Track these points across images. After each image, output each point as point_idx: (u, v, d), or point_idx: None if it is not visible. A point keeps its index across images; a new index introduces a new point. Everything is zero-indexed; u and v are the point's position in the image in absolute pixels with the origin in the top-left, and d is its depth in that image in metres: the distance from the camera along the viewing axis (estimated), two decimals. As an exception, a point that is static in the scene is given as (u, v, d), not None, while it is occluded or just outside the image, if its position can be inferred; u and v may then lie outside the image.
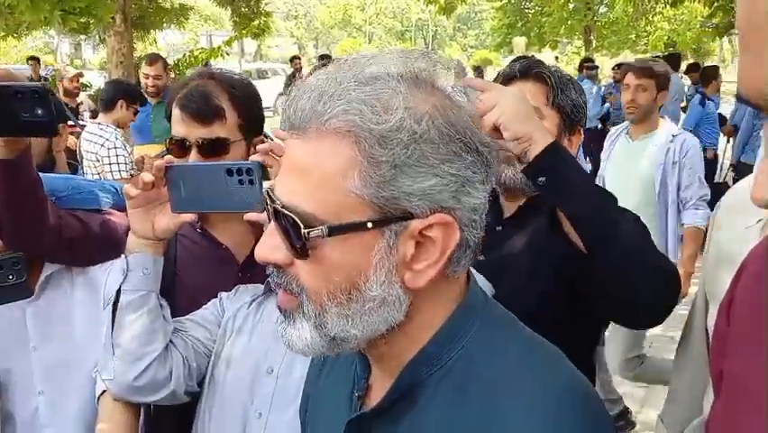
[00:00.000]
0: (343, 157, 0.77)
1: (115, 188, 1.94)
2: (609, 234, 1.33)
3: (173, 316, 1.71)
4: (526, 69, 1.72)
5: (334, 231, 0.78)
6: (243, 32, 10.54)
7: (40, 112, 1.39)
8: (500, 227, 1.76)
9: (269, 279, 0.88)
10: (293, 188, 0.80)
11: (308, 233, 0.78)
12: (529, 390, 0.80)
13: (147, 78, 5.89)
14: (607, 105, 10.52)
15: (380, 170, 0.76)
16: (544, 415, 0.78)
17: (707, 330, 1.40)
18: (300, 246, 0.79)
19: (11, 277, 1.58)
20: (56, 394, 1.77)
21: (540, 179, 1.34)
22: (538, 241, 1.67)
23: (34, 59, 13.48)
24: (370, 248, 0.79)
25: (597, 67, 11.50)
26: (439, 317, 0.87)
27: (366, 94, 0.78)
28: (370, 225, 0.78)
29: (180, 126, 1.72)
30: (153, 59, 6.09)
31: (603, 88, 11.07)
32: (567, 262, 1.55)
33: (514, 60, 1.83)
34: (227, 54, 11.03)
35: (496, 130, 1.33)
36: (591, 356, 1.82)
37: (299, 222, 0.78)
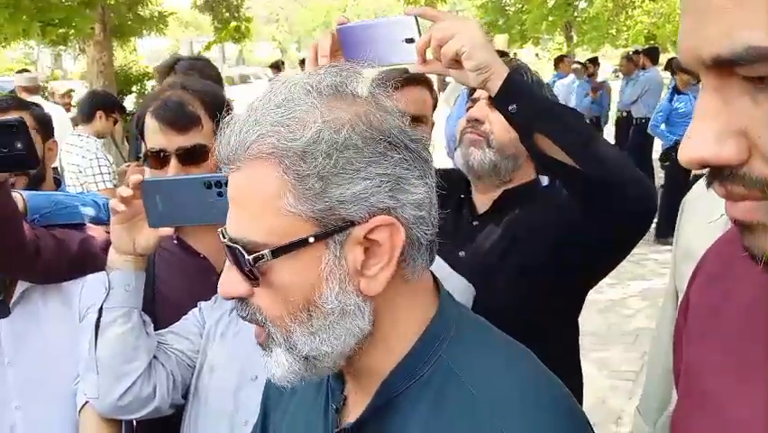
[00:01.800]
0: (272, 179, 0.79)
1: (96, 202, 1.94)
2: (589, 135, 1.38)
3: (154, 328, 1.72)
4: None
5: (278, 252, 0.79)
6: (222, 35, 10.50)
7: (19, 146, 1.40)
8: (476, 222, 1.77)
9: None
10: (236, 221, 0.83)
11: (253, 259, 0.79)
12: (507, 397, 0.82)
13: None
14: (587, 98, 10.56)
15: (309, 184, 0.78)
16: (522, 422, 0.79)
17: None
18: (251, 274, 0.81)
19: None
20: (33, 409, 1.76)
21: (511, 107, 1.34)
22: (516, 232, 1.68)
23: (25, 72, 13.28)
24: (318, 262, 0.80)
25: (586, 66, 11.52)
26: (411, 326, 0.88)
27: (280, 115, 0.79)
28: (311, 239, 0.79)
29: (157, 137, 1.72)
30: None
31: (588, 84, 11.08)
32: (548, 249, 1.59)
33: None
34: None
35: (456, 61, 1.31)
36: (575, 350, 1.83)
37: (243, 251, 0.80)
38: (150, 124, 1.73)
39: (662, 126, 8.03)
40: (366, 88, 0.85)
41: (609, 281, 6.55)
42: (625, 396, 4.48)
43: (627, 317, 5.87)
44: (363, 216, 0.79)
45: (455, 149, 1.78)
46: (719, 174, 0.54)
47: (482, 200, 1.80)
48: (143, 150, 1.79)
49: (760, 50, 0.47)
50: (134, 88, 11.71)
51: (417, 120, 1.77)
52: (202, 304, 1.67)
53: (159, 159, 1.72)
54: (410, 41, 1.30)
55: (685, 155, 0.53)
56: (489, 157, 1.69)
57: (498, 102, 1.34)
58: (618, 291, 6.40)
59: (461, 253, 1.73)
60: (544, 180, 1.90)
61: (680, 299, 1.42)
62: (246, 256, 0.80)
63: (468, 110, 1.76)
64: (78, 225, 1.84)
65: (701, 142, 0.52)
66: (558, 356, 1.28)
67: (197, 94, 1.77)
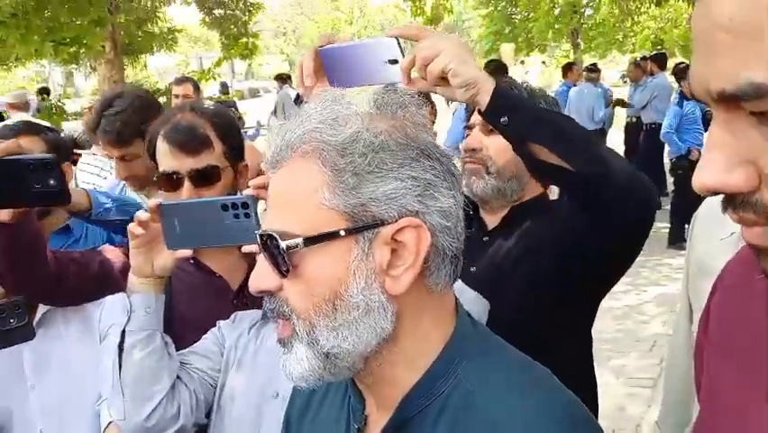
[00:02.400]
0: (311, 173, 0.84)
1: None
2: (585, 139, 1.39)
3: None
4: None
5: (310, 241, 0.83)
6: (231, 52, 10.60)
7: (52, 182, 1.46)
8: (486, 237, 1.79)
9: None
10: (272, 215, 0.87)
11: (286, 246, 0.83)
12: (524, 420, 0.82)
13: (177, 98, 6.01)
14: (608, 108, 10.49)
15: (344, 178, 0.83)
16: (540, 430, 0.80)
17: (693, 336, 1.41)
18: (282, 263, 0.84)
19: (12, 321, 1.60)
20: (56, 431, 1.77)
21: (502, 119, 1.33)
22: (525, 245, 1.69)
23: (45, 92, 13.42)
24: (347, 256, 0.84)
25: (599, 70, 11.47)
26: (431, 340, 0.89)
27: (324, 115, 0.86)
28: (342, 232, 0.83)
29: (169, 160, 1.74)
30: (182, 79, 6.36)
31: (608, 90, 11.03)
32: (555, 261, 1.59)
33: None
34: (218, 76, 11.07)
35: (442, 79, 1.31)
36: (587, 363, 1.83)
37: (278, 238, 0.83)
38: (162, 147, 1.75)
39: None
40: (403, 109, 0.90)
41: (624, 288, 6.52)
42: (643, 403, 4.44)
43: (643, 323, 5.84)
44: (393, 216, 0.83)
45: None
46: (732, 201, 0.56)
47: (491, 219, 1.82)
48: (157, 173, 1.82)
49: (762, 86, 0.50)
50: (145, 105, 11.77)
51: None
52: (221, 323, 1.69)
53: (171, 181, 1.74)
54: (394, 62, 1.29)
55: (698, 183, 0.56)
56: (490, 184, 1.71)
57: (488, 116, 1.35)
58: (634, 298, 6.36)
59: (473, 269, 1.74)
60: (554, 193, 1.91)
61: (694, 315, 1.43)
62: (280, 243, 0.83)
63: (465, 137, 1.78)
64: (95, 247, 1.87)
65: (712, 172, 0.55)
66: (568, 369, 1.28)
67: (207, 116, 1.79)
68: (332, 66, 1.33)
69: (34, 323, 1.75)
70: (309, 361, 0.87)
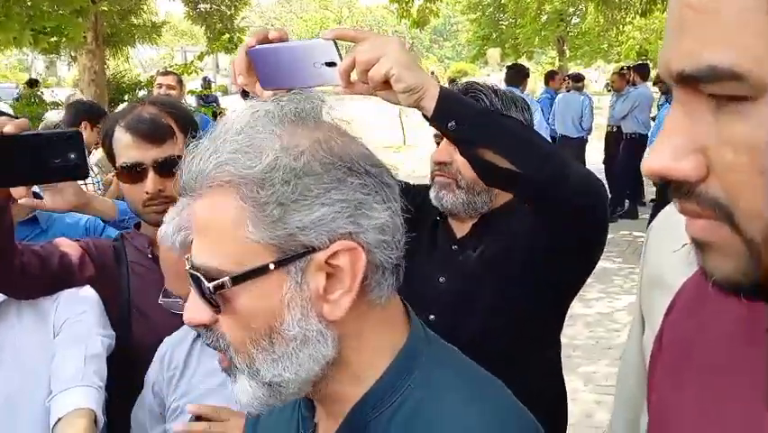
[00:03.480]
0: (231, 207, 0.79)
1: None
2: (529, 139, 1.37)
3: (131, 345, 1.71)
4: (463, 93, 1.69)
5: (238, 279, 0.79)
6: (215, 47, 10.53)
7: (72, 156, 1.43)
8: (455, 246, 1.76)
9: None
10: (198, 248, 0.83)
11: (213, 287, 0.79)
12: (467, 426, 0.81)
13: (160, 88, 6.07)
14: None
15: (267, 211, 0.77)
16: None
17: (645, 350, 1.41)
18: (213, 301, 0.81)
19: None
20: (6, 427, 1.73)
21: (450, 124, 1.29)
22: (494, 255, 1.67)
23: (34, 83, 13.19)
24: (279, 289, 0.80)
25: (583, 78, 11.53)
26: (379, 353, 0.87)
27: (239, 143, 0.79)
28: (272, 266, 0.78)
29: (132, 151, 1.73)
30: (166, 72, 6.46)
31: (593, 99, 11.08)
32: (521, 267, 1.58)
33: (451, 81, 1.86)
34: (200, 70, 11.01)
35: (385, 83, 1.24)
36: (556, 372, 1.83)
37: (203, 278, 0.80)
38: (123, 138, 1.74)
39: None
40: (328, 114, 0.86)
41: (597, 295, 6.56)
42: (609, 411, 4.46)
43: (615, 331, 5.87)
44: (324, 242, 0.79)
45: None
46: (678, 190, 0.54)
47: (460, 227, 1.79)
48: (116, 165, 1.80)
49: (721, 70, 0.47)
50: (126, 97, 11.67)
51: None
52: (152, 381, 1.67)
53: (134, 173, 1.73)
54: (331, 64, 1.21)
55: (645, 166, 0.53)
56: (460, 198, 1.69)
57: (435, 121, 1.30)
58: (606, 305, 6.39)
59: (441, 279, 1.73)
60: None
61: (645, 325, 1.43)
62: (206, 284, 0.79)
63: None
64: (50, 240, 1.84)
65: (662, 156, 0.52)
66: (538, 381, 1.27)
67: (166, 108, 1.81)
68: (263, 67, 1.25)
69: None
70: (254, 390, 0.84)
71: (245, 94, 1.27)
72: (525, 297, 1.59)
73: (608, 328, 5.91)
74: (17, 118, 1.60)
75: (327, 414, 0.92)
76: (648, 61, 16.65)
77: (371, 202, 0.82)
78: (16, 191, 1.84)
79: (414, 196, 1.77)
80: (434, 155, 1.72)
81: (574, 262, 1.57)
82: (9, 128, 1.39)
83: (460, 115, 1.29)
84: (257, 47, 1.24)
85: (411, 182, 1.91)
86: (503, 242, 1.67)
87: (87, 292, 1.76)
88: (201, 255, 0.82)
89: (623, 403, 1.55)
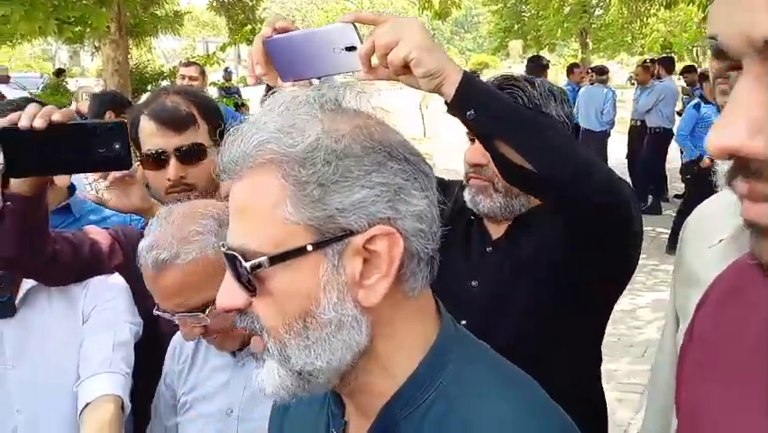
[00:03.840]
0: (272, 187, 0.79)
1: None
2: (557, 139, 1.29)
3: (157, 332, 1.73)
4: (498, 88, 1.58)
5: (275, 260, 0.79)
6: (237, 38, 10.56)
7: (117, 146, 1.44)
8: (490, 248, 1.69)
9: None
10: (236, 230, 0.83)
11: (250, 267, 0.79)
12: (502, 421, 0.80)
13: (183, 79, 6.15)
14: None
15: (307, 191, 0.78)
16: None
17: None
18: (248, 283, 0.80)
19: None
20: (35, 412, 1.75)
21: (468, 113, 1.21)
22: (530, 256, 1.61)
23: (61, 72, 13.33)
24: (316, 271, 0.79)
25: (607, 71, 11.40)
26: (411, 346, 0.86)
27: (281, 123, 0.80)
28: (309, 247, 0.78)
29: (155, 138, 1.76)
30: (189, 63, 6.56)
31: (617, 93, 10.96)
32: (554, 269, 1.52)
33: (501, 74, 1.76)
34: (222, 61, 11.04)
35: (405, 67, 1.19)
36: (596, 380, 1.78)
37: (241, 258, 0.79)
38: (147, 126, 1.77)
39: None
40: (368, 104, 0.86)
41: (619, 292, 6.49)
42: (632, 409, 4.43)
43: (637, 328, 5.82)
44: (362, 226, 0.79)
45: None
46: (745, 168, 0.50)
47: (496, 228, 1.71)
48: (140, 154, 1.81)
49: None
50: (149, 87, 11.76)
51: None
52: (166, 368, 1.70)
53: (157, 160, 1.75)
54: (351, 48, 1.17)
55: (712, 142, 0.49)
56: (498, 202, 1.61)
57: (454, 108, 1.23)
58: (628, 302, 6.34)
59: (474, 283, 1.66)
60: None
61: (680, 324, 1.40)
62: (243, 264, 0.79)
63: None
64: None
65: (732, 131, 0.48)
66: (573, 387, 1.21)
67: (190, 96, 1.84)
68: (280, 57, 1.21)
69: (18, 300, 1.73)
70: (282, 378, 0.83)
71: (269, 88, 1.24)
72: (555, 299, 1.53)
73: (629, 326, 5.87)
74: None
75: (357, 410, 0.91)
76: (673, 54, 16.44)
77: (410, 188, 0.81)
78: (60, 179, 1.86)
79: (447, 193, 1.71)
80: (468, 156, 1.63)
81: (600, 262, 1.48)
82: (57, 116, 1.40)
83: (479, 103, 1.21)
84: (273, 37, 1.20)
85: (444, 177, 1.83)
86: (538, 242, 1.61)
87: (116, 280, 1.78)
88: (238, 237, 0.82)
89: (657, 397, 1.53)
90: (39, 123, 1.38)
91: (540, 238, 1.59)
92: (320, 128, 0.79)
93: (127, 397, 1.66)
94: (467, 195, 1.66)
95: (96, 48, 11.53)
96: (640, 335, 5.67)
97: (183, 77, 6.25)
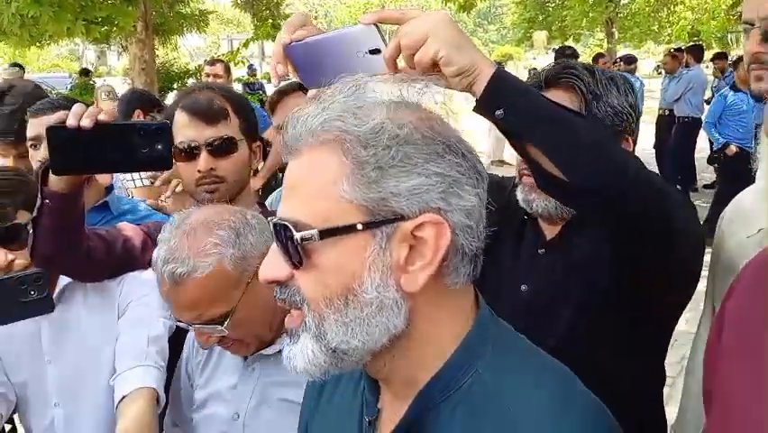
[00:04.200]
0: (331, 163, 0.81)
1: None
2: (594, 145, 1.14)
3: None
4: (555, 77, 1.53)
5: (325, 234, 0.81)
6: (260, 33, 10.61)
7: (159, 147, 1.45)
8: (543, 250, 1.62)
9: None
10: (289, 204, 0.85)
11: (301, 237, 0.81)
12: (541, 414, 0.81)
13: (208, 77, 6.22)
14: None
15: (365, 171, 0.80)
16: (555, 429, 0.80)
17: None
18: (295, 254, 0.82)
19: (32, 293, 1.60)
20: (72, 405, 1.80)
21: (497, 112, 1.09)
22: (585, 258, 1.52)
23: (87, 72, 13.58)
24: (363, 250, 0.81)
25: (635, 60, 11.23)
26: (448, 335, 0.88)
27: (348, 104, 0.83)
28: (360, 226, 0.80)
29: (187, 130, 1.78)
30: (213, 61, 6.60)
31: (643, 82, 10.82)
32: (607, 274, 1.42)
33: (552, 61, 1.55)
34: (246, 60, 11.10)
35: (434, 65, 1.07)
36: (653, 399, 1.66)
37: (293, 229, 0.81)
38: (180, 118, 1.80)
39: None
40: (430, 101, 0.88)
41: (648, 283, 6.41)
42: (666, 400, 4.39)
43: (666, 320, 5.76)
44: (413, 212, 0.81)
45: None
46: None
47: (550, 229, 1.63)
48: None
49: None
50: (175, 85, 11.87)
51: None
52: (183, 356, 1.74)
53: (188, 152, 1.78)
54: (375, 51, 1.09)
55: None
56: (552, 201, 1.51)
57: (482, 107, 1.11)
58: (658, 294, 6.27)
59: (523, 288, 1.61)
60: None
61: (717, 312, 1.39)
62: (295, 234, 0.81)
63: None
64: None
65: None
66: (626, 400, 1.11)
67: (223, 92, 1.87)
68: (303, 63, 1.16)
69: (54, 296, 1.77)
70: (315, 354, 0.85)
71: (300, 86, 1.23)
72: (607, 304, 1.45)
73: (659, 316, 5.80)
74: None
75: (393, 396, 0.92)
76: (701, 42, 16.16)
77: (464, 183, 0.83)
78: (102, 177, 1.89)
79: (501, 190, 1.66)
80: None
81: (658, 274, 1.34)
82: (103, 116, 1.42)
83: (509, 102, 1.09)
84: (293, 44, 1.14)
85: (498, 174, 1.75)
86: (593, 244, 1.49)
87: (150, 275, 1.79)
88: (289, 209, 0.84)
89: (695, 384, 1.52)
90: (86, 122, 1.40)
91: (594, 240, 1.48)
92: (385, 113, 0.82)
93: (162, 389, 1.69)
94: (519, 193, 1.58)
95: (122, 47, 11.68)
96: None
97: (208, 75, 6.31)
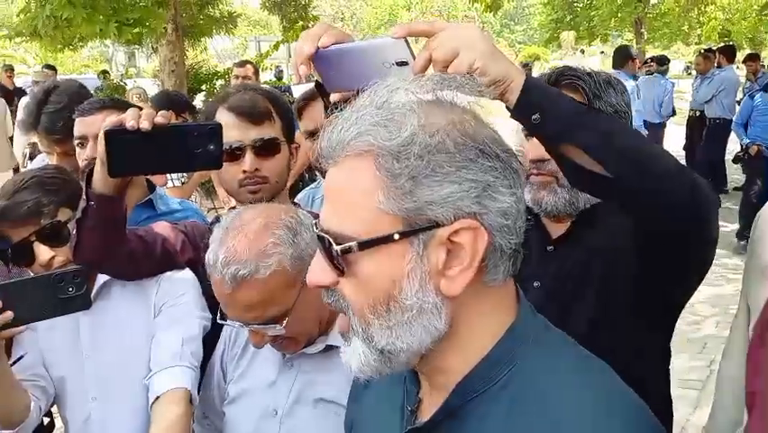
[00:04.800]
0: (366, 176, 0.84)
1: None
2: (629, 141, 1.21)
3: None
4: (558, 79, 1.61)
5: (364, 245, 0.84)
6: (289, 35, 10.67)
7: (212, 147, 1.48)
8: (552, 247, 1.65)
9: None
10: (329, 214, 0.88)
11: (340, 250, 0.84)
12: (582, 408, 0.83)
13: (237, 79, 6.29)
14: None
15: (399, 183, 0.82)
16: (597, 423, 0.81)
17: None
18: (338, 264, 0.85)
19: (71, 289, 1.64)
20: (108, 401, 1.83)
21: (534, 117, 1.15)
22: (597, 254, 1.56)
23: (105, 73, 13.89)
24: (401, 259, 0.84)
25: (668, 61, 11.10)
26: (488, 331, 0.90)
27: (380, 116, 0.84)
28: (397, 236, 0.83)
29: (232, 130, 1.78)
30: (243, 62, 6.71)
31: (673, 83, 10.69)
32: (624, 268, 1.45)
33: (523, 66, 1.70)
34: (275, 67, 11.16)
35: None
36: (664, 381, 1.73)
37: (332, 242, 0.84)
38: (225, 118, 1.79)
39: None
40: (464, 99, 0.89)
41: (677, 287, 6.35)
42: (690, 405, 4.35)
43: (695, 324, 5.69)
44: (449, 218, 0.83)
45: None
46: None
47: (556, 228, 1.66)
48: None
49: None
50: (204, 87, 11.97)
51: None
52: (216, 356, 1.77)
53: (233, 153, 1.78)
54: (402, 63, 1.11)
55: None
56: (562, 197, 1.56)
57: (517, 114, 1.16)
58: (687, 297, 6.20)
59: (536, 284, 1.62)
60: None
61: (751, 318, 1.39)
62: (335, 247, 0.84)
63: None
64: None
65: None
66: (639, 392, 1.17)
67: (265, 93, 1.89)
68: (327, 70, 1.18)
69: (93, 293, 1.80)
70: (366, 356, 0.88)
71: (319, 86, 1.23)
72: (625, 300, 1.49)
73: (688, 321, 5.74)
74: None
75: (433, 388, 0.95)
76: (732, 43, 15.92)
77: (498, 186, 0.85)
78: (157, 179, 1.92)
79: None
80: (530, 151, 1.57)
81: (670, 261, 1.40)
82: (159, 118, 1.45)
83: (543, 107, 1.15)
84: (325, 49, 1.16)
85: None
86: (604, 240, 1.55)
87: (187, 275, 1.84)
88: (330, 220, 0.87)
89: (727, 383, 1.51)
90: (145, 124, 1.43)
91: (604, 235, 1.55)
92: (416, 122, 0.83)
93: (195, 390, 1.72)
94: (527, 193, 1.59)
95: (153, 49, 11.81)
96: (698, 330, 5.54)
97: (237, 77, 6.37)
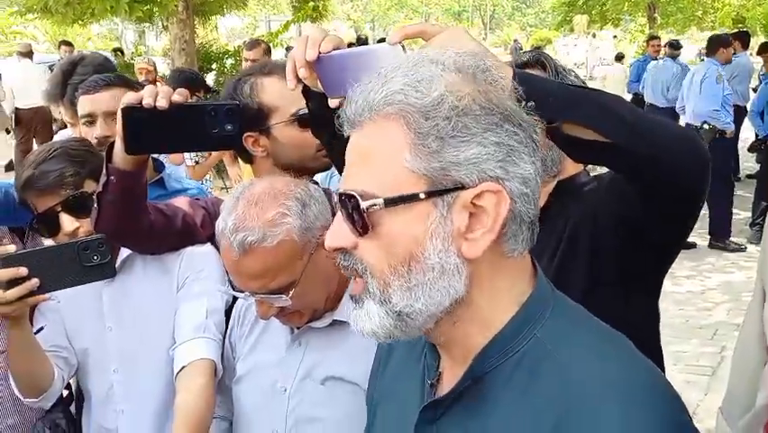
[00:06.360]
0: (394, 135, 0.85)
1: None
2: (624, 109, 1.25)
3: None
4: (527, 61, 1.70)
5: (390, 202, 0.85)
6: (300, 15, 10.61)
7: (229, 127, 1.48)
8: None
9: None
10: (354, 175, 0.89)
11: (367, 207, 0.85)
12: (602, 379, 0.84)
13: (247, 62, 6.22)
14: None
15: (427, 142, 0.84)
16: (619, 404, 0.81)
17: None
18: (361, 223, 0.86)
19: (95, 257, 1.65)
20: (130, 373, 1.86)
21: (529, 104, 1.15)
22: (583, 223, 1.60)
23: (119, 51, 13.81)
24: (425, 219, 0.85)
25: (681, 46, 11.05)
26: (507, 301, 0.91)
27: (409, 77, 0.86)
28: (422, 195, 0.84)
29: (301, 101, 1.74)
30: (253, 44, 6.58)
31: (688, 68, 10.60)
32: (617, 233, 1.49)
33: (536, 49, 1.78)
34: (283, 43, 11.11)
35: None
36: (656, 342, 1.76)
37: (358, 198, 0.85)
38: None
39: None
40: (487, 74, 0.89)
41: (688, 273, 6.36)
42: (700, 391, 4.37)
43: (706, 310, 5.70)
44: (473, 181, 0.84)
45: None
46: None
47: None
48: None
49: None
50: (214, 66, 11.94)
51: None
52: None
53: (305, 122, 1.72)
54: None
55: None
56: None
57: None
58: (697, 284, 6.20)
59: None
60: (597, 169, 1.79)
61: (766, 303, 1.39)
62: (360, 203, 0.85)
63: None
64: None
65: None
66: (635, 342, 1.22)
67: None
68: (327, 75, 1.22)
69: (116, 265, 1.80)
70: (380, 318, 0.89)
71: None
72: (614, 267, 1.53)
73: (698, 307, 5.75)
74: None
75: (452, 361, 0.96)
76: (746, 29, 15.76)
77: (521, 152, 0.86)
78: (174, 157, 1.89)
79: None
80: None
81: (668, 223, 1.44)
82: (176, 97, 1.46)
83: (536, 93, 1.15)
84: (325, 54, 1.20)
85: None
86: (590, 207, 1.59)
87: (208, 249, 1.85)
88: (355, 180, 0.88)
89: (743, 364, 1.52)
90: (162, 102, 1.43)
91: (585, 208, 1.59)
92: (444, 86, 0.85)
93: (219, 361, 1.74)
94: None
95: (164, 27, 11.76)
96: (709, 317, 5.55)
97: (247, 59, 6.31)
